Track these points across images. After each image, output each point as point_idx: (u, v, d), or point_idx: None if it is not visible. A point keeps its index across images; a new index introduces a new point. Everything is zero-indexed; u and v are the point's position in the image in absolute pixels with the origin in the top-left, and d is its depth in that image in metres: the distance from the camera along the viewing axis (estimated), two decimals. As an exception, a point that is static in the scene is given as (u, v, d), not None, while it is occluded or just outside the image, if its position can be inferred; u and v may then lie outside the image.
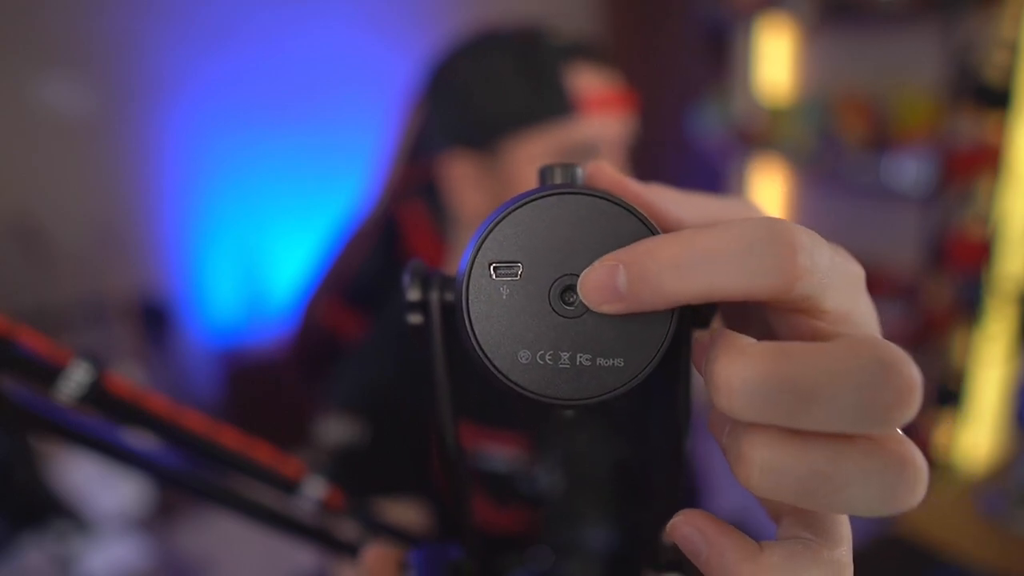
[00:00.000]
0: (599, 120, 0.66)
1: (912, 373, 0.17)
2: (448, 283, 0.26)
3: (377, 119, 1.45)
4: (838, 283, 0.20)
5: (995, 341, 1.89)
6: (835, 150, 2.01)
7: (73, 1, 2.02)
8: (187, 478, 0.37)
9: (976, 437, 1.98)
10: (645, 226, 0.22)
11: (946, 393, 1.96)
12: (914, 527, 1.01)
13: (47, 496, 1.49)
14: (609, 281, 0.20)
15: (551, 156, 0.65)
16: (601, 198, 0.22)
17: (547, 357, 0.22)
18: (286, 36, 2.33)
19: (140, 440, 0.35)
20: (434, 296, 0.26)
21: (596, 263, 0.20)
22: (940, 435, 2.01)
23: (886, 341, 0.18)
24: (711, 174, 2.58)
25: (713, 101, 2.40)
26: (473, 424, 0.70)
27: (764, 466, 0.18)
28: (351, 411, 0.70)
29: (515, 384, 0.22)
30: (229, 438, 0.37)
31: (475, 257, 0.22)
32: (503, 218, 0.22)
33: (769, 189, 2.43)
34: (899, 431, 0.19)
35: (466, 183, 0.69)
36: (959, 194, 1.83)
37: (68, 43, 2.04)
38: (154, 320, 2.25)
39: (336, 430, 0.69)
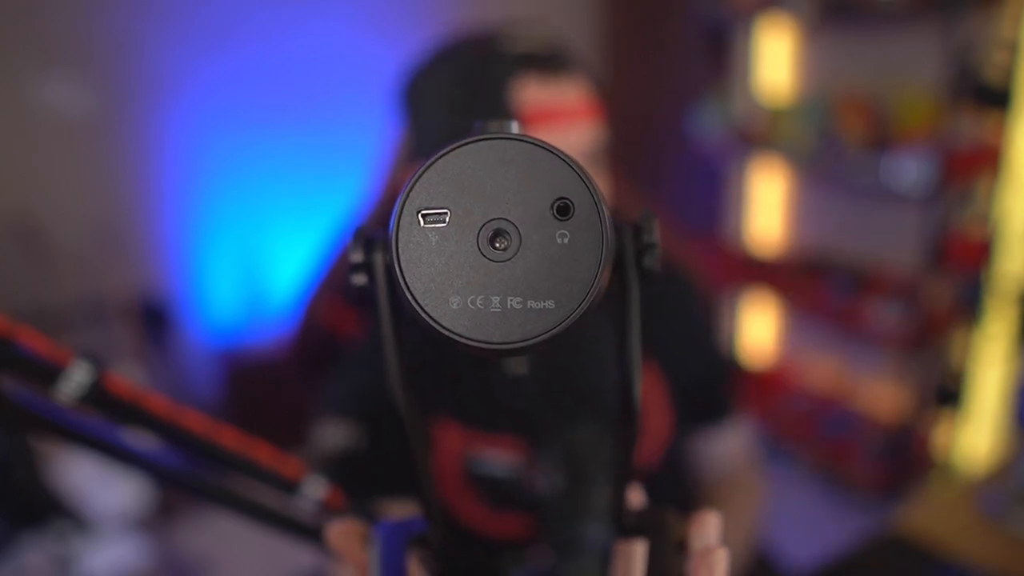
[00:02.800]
0: (547, 135, 0.64)
1: None
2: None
3: (377, 119, 1.45)
4: None
5: (995, 341, 1.89)
6: (835, 150, 2.01)
7: (73, 1, 2.02)
8: (187, 478, 0.37)
9: (976, 437, 1.98)
10: (573, 170, 0.22)
11: (946, 393, 1.96)
12: (914, 527, 1.01)
13: (47, 496, 1.48)
14: None
15: None
16: (528, 142, 0.22)
17: (478, 302, 0.22)
18: (286, 36, 2.32)
19: (140, 440, 0.35)
20: (378, 258, 0.26)
21: None
22: (940, 435, 2.01)
23: None
24: (711, 174, 2.58)
25: (713, 101, 2.40)
26: (471, 429, 0.70)
27: None
28: (346, 417, 0.70)
29: (446, 330, 0.22)
30: (229, 438, 0.37)
31: (403, 205, 0.22)
32: (430, 165, 0.22)
33: (769, 189, 2.43)
34: None
35: None
36: (959, 194, 1.83)
37: (68, 43, 2.04)
38: (154, 320, 2.25)
39: (332, 436, 0.69)
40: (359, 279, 0.27)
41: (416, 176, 0.22)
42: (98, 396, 0.32)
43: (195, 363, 2.40)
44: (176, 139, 2.24)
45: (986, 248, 1.80)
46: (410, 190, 0.22)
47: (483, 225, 0.22)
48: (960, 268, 1.84)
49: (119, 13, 2.08)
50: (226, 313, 2.42)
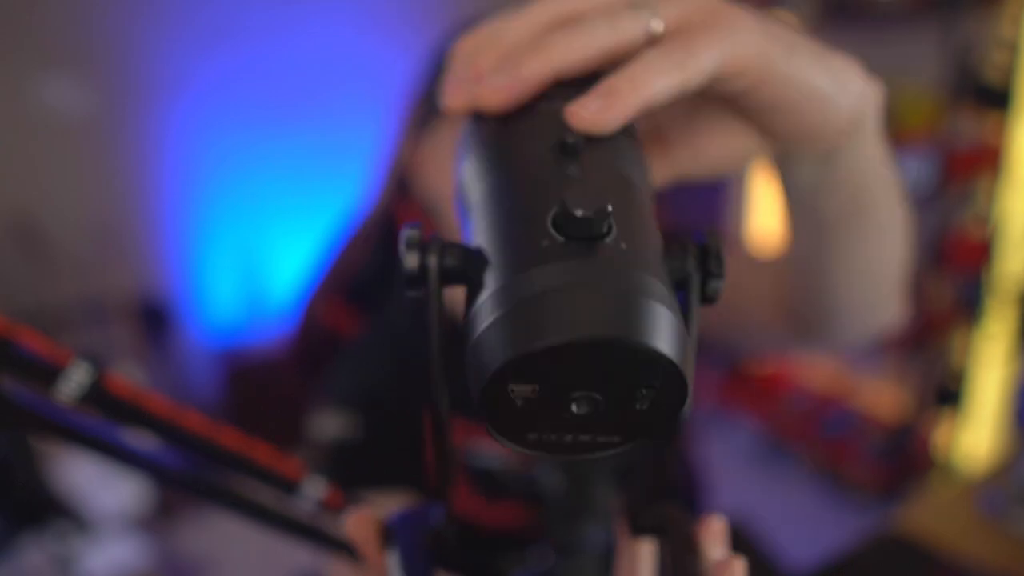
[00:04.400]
0: None
1: None
2: (448, 248, 0.25)
3: (377, 119, 1.45)
4: None
5: (995, 341, 1.89)
6: (835, 150, 2.00)
7: (73, 1, 2.02)
8: (187, 478, 0.37)
9: (976, 437, 1.98)
10: (671, 364, 0.22)
11: (946, 393, 1.96)
12: (914, 527, 1.01)
13: (47, 496, 1.49)
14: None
15: None
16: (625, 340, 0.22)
17: (552, 437, 0.23)
18: (286, 35, 2.33)
19: (140, 440, 0.35)
20: (432, 261, 0.25)
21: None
22: (940, 435, 2.01)
23: None
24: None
25: (713, 101, 2.39)
26: (466, 420, 0.70)
27: None
28: (345, 407, 0.70)
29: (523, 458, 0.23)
30: (229, 438, 0.37)
31: (492, 377, 0.22)
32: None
33: (769, 189, 2.43)
34: None
35: (434, 164, 0.67)
36: (959, 194, 1.83)
37: (68, 43, 2.04)
38: (154, 320, 2.25)
39: (330, 425, 0.69)
40: (413, 288, 0.26)
41: (513, 355, 0.21)
42: (98, 396, 0.32)
43: (195, 363, 2.40)
44: (176, 139, 2.24)
45: (986, 248, 1.80)
46: (505, 364, 0.21)
47: (571, 395, 0.22)
48: (960, 268, 1.84)
49: (119, 13, 2.08)
50: (226, 313, 2.42)
